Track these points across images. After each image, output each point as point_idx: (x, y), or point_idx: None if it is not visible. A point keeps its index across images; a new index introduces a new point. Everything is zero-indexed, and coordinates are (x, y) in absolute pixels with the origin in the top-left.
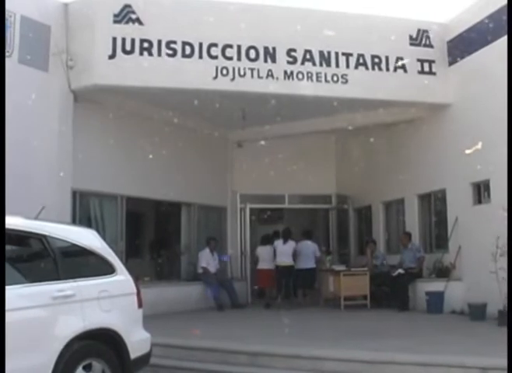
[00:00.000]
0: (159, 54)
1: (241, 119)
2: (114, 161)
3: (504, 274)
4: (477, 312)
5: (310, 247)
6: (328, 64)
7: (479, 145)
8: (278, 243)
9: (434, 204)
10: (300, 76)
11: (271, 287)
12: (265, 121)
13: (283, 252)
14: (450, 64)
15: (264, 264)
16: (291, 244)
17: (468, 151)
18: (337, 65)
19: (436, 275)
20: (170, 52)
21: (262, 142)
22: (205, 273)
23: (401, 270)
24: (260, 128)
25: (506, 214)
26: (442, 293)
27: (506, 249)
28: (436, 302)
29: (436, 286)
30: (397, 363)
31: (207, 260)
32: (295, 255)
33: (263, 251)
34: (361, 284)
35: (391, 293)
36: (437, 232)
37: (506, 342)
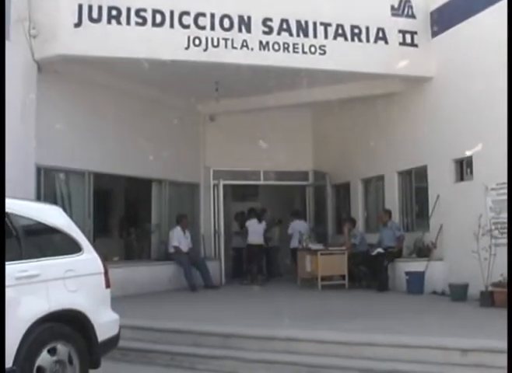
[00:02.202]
0: (128, 23)
1: (214, 91)
2: (81, 135)
3: (486, 254)
4: (458, 293)
5: (304, 226)
6: (306, 35)
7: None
8: (253, 222)
9: (415, 182)
10: (276, 47)
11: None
12: (239, 94)
13: (256, 231)
14: (433, 35)
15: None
16: (263, 224)
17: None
18: (315, 36)
19: (416, 255)
20: (140, 21)
21: (236, 116)
22: (177, 252)
23: (380, 250)
24: (233, 101)
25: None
26: (422, 273)
27: (488, 228)
28: (416, 282)
29: (417, 266)
30: (374, 344)
31: (178, 239)
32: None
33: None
34: (339, 264)
35: (369, 273)
36: (418, 210)
37: (507, 340)
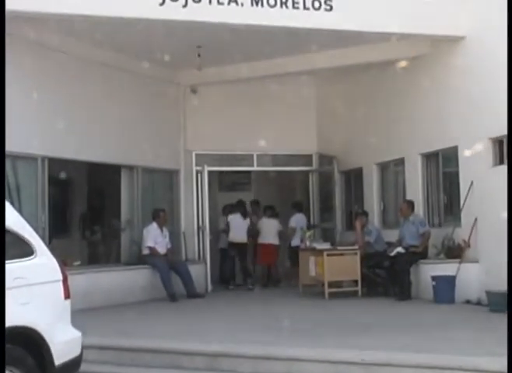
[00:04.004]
0: None
1: (196, 57)
2: (32, 112)
3: None
4: (498, 302)
5: (304, 221)
6: None
7: None
8: (236, 217)
9: (443, 166)
10: (272, 2)
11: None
12: (227, 60)
13: (239, 227)
14: None
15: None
16: (248, 220)
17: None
18: None
19: (445, 255)
20: None
21: (223, 87)
22: (153, 254)
23: (400, 249)
24: (220, 69)
25: None
26: (453, 278)
27: None
28: (445, 289)
29: (446, 269)
30: (395, 365)
31: (154, 238)
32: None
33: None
34: (350, 267)
35: (387, 277)
36: (447, 201)
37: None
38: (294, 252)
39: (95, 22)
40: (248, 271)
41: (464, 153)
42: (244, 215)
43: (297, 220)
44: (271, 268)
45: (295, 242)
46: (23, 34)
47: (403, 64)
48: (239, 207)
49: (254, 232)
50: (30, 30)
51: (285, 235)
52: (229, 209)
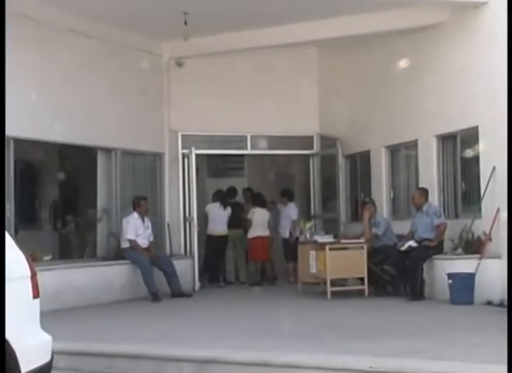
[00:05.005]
0: None
1: (182, 25)
2: None
3: None
4: None
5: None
6: None
7: None
8: (214, 207)
9: (461, 149)
10: None
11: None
12: (217, 29)
13: (218, 218)
14: None
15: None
16: (229, 210)
17: None
18: None
19: (463, 250)
20: None
21: (212, 59)
22: (133, 248)
23: (412, 243)
24: (209, 39)
25: None
26: (472, 275)
27: None
28: (463, 289)
29: (464, 265)
30: None
31: (135, 230)
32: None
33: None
34: (355, 262)
35: (397, 275)
36: (465, 189)
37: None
38: (287, 246)
39: None
40: (223, 267)
41: (486, 134)
42: (224, 205)
43: (289, 211)
44: (265, 264)
45: (285, 233)
46: None
47: (404, 63)
48: (218, 195)
49: (246, 224)
50: None
51: (294, 229)
52: (220, 196)
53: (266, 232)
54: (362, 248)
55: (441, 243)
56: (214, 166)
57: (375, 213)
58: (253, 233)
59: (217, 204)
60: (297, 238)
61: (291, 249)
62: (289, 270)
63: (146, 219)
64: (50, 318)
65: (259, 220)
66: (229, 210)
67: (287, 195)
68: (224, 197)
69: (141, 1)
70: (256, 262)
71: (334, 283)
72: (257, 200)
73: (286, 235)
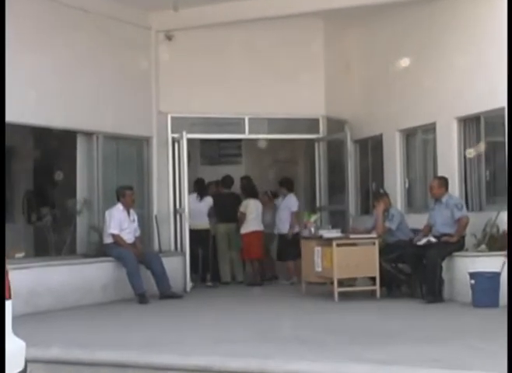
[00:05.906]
0: None
1: None
2: None
3: None
4: None
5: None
6: None
7: None
8: (191, 198)
9: (485, 133)
10: None
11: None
12: None
13: (196, 211)
14: None
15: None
16: (208, 201)
17: None
18: None
19: (487, 246)
20: None
21: (206, 33)
22: (117, 243)
23: (430, 238)
24: (201, 9)
25: None
26: (497, 275)
27: None
28: (487, 289)
29: (488, 264)
30: None
31: (119, 223)
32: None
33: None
34: (366, 260)
35: (413, 274)
36: (490, 178)
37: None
38: (283, 242)
39: None
40: (209, 265)
41: None
42: (201, 195)
43: (288, 203)
44: (262, 262)
45: (284, 228)
46: None
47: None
48: (196, 185)
49: (241, 217)
50: None
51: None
52: (198, 186)
53: (261, 227)
54: (374, 244)
55: (462, 239)
56: (208, 152)
57: (389, 205)
58: (247, 228)
59: (194, 195)
60: (297, 234)
61: (289, 246)
62: (290, 269)
63: (132, 211)
64: (23, 323)
65: (254, 213)
66: (208, 200)
67: (286, 185)
68: (201, 187)
69: None
70: (252, 260)
71: (341, 283)
72: (250, 191)
73: (285, 229)
